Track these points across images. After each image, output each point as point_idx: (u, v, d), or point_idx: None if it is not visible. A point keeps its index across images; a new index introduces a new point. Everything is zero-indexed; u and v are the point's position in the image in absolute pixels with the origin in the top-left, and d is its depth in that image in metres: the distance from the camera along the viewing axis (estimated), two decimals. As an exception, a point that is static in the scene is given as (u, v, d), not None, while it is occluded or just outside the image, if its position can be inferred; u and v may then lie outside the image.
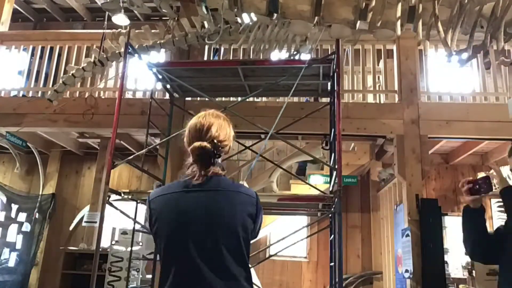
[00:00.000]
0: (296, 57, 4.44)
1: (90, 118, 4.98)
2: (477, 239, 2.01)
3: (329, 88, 4.52)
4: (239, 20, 4.21)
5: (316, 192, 4.78)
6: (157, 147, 4.77)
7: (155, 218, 1.57)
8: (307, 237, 6.21)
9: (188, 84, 4.40)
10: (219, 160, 1.64)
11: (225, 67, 4.37)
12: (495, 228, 2.09)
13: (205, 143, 1.55)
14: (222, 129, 1.63)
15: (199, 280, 1.44)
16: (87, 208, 6.52)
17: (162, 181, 4.67)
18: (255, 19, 3.94)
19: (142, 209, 4.52)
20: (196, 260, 1.45)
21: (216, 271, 1.45)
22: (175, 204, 1.55)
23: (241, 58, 5.27)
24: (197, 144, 1.54)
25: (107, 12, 4.99)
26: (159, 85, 4.84)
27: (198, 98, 5.08)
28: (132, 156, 4.09)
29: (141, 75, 5.62)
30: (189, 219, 1.51)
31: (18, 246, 6.54)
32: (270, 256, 5.59)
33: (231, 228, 1.51)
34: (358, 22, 3.09)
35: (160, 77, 4.60)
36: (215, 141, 1.57)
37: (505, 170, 6.02)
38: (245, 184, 1.95)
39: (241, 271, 1.49)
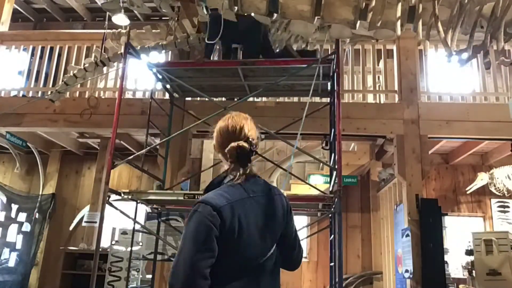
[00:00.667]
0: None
1: (88, 118, 4.97)
2: None
3: (329, 88, 4.52)
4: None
5: (316, 192, 4.78)
6: (157, 147, 4.77)
7: (230, 226, 1.46)
8: (307, 237, 6.21)
9: (188, 84, 4.39)
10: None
11: (225, 67, 4.37)
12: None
13: (242, 142, 1.60)
14: (252, 128, 1.69)
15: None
16: (87, 208, 6.52)
17: (162, 181, 4.67)
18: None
19: (142, 209, 4.53)
20: (260, 267, 1.54)
21: (274, 275, 1.60)
22: (248, 211, 1.54)
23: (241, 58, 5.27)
24: (234, 144, 1.59)
25: (107, 12, 4.98)
26: (159, 85, 4.84)
27: (198, 98, 5.08)
28: (132, 156, 4.09)
29: (141, 75, 5.62)
30: (260, 225, 1.56)
31: (18, 246, 6.54)
32: (270, 256, 5.58)
33: (278, 233, 1.63)
34: (358, 22, 3.09)
35: (160, 77, 4.60)
36: (250, 139, 1.64)
37: (505, 170, 6.05)
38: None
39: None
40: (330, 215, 3.90)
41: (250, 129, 1.67)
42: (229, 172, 1.62)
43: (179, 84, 4.57)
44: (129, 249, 4.47)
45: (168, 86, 4.75)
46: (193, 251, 1.38)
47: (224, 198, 1.50)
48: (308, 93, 4.49)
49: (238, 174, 1.58)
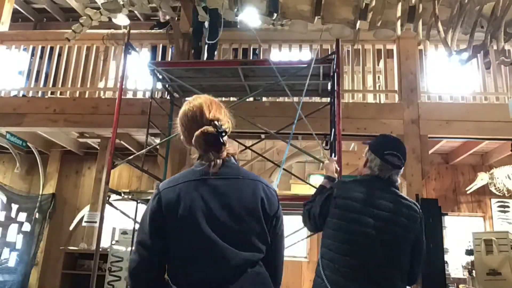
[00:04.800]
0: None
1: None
2: None
3: (329, 88, 4.52)
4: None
5: (316, 192, 4.77)
6: (157, 147, 4.77)
7: (168, 210, 1.38)
8: (307, 237, 6.19)
9: (189, 84, 4.39)
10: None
11: (225, 67, 4.37)
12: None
13: (206, 127, 1.43)
14: (216, 108, 1.50)
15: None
16: (87, 208, 6.52)
17: (162, 181, 4.67)
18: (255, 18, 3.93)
19: (142, 209, 4.53)
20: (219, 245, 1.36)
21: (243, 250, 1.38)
22: (194, 194, 1.39)
23: (241, 58, 5.27)
24: (198, 132, 1.42)
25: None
26: (159, 85, 4.84)
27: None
28: (132, 156, 4.09)
29: (141, 75, 5.62)
30: (212, 208, 1.38)
31: (18, 246, 6.54)
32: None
33: (254, 214, 1.41)
34: (358, 22, 3.10)
35: (160, 77, 4.60)
36: (215, 122, 1.45)
37: (505, 170, 6.04)
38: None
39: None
40: (330, 215, 3.89)
41: (213, 109, 1.49)
42: (200, 158, 1.49)
43: (179, 84, 4.57)
44: (129, 249, 4.47)
45: (168, 86, 4.75)
46: (139, 235, 1.41)
47: (173, 181, 1.45)
48: (308, 93, 4.45)
49: (213, 163, 1.42)
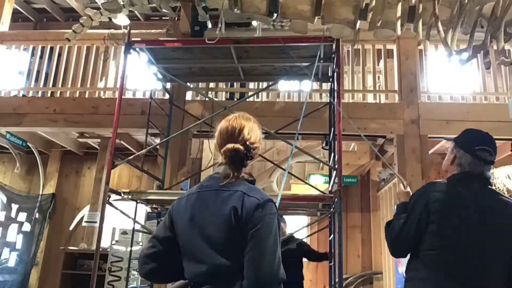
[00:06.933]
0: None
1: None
2: None
3: (329, 73, 4.30)
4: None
5: (316, 192, 4.78)
6: (157, 147, 4.77)
7: (172, 219, 1.63)
8: (307, 237, 6.20)
9: (177, 66, 4.13)
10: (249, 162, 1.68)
11: (216, 46, 3.81)
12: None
13: (238, 145, 1.59)
14: (253, 131, 1.67)
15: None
16: (87, 208, 6.52)
17: (162, 181, 4.67)
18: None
19: (142, 209, 4.53)
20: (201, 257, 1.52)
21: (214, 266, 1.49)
22: (188, 205, 1.60)
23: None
24: (230, 146, 1.59)
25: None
26: (159, 85, 4.83)
27: (198, 98, 5.07)
28: (132, 156, 4.09)
29: (141, 75, 5.62)
30: (195, 217, 1.56)
31: (18, 246, 6.54)
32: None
33: (220, 224, 1.51)
34: (358, 22, 3.09)
35: (160, 76, 4.58)
36: (248, 143, 1.62)
37: (505, 170, 6.04)
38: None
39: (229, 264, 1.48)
40: (330, 215, 3.90)
41: (251, 131, 1.66)
42: (217, 169, 1.66)
43: (166, 67, 4.29)
44: (129, 249, 4.47)
45: (167, 86, 4.74)
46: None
47: (185, 193, 1.69)
48: (307, 77, 4.14)
49: (231, 175, 1.59)
